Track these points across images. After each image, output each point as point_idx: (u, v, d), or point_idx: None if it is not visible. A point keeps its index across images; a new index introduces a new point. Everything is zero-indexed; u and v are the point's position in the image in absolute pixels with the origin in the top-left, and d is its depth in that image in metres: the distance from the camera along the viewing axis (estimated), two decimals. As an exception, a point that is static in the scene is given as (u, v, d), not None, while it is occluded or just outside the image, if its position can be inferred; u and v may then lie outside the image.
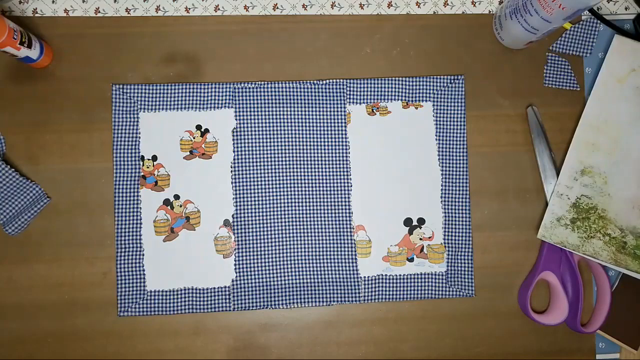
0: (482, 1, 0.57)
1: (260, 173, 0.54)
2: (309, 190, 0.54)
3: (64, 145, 0.54)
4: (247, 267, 0.53)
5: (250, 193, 0.54)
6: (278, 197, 0.54)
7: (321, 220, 0.54)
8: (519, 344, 0.55)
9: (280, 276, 0.54)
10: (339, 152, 0.55)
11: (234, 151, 0.54)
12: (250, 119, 0.54)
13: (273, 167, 0.54)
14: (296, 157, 0.54)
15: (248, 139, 0.54)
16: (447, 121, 0.56)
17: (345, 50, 0.56)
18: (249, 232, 0.54)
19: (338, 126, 0.55)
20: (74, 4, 0.55)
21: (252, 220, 0.54)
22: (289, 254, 0.54)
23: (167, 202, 0.54)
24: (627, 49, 0.55)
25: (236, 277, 0.53)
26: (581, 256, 0.54)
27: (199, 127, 0.54)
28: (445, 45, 0.56)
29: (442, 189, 0.55)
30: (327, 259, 0.54)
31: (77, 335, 0.53)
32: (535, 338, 0.55)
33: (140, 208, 0.53)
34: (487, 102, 0.56)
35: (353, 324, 0.55)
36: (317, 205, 0.54)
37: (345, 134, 0.55)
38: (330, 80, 0.55)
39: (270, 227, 0.54)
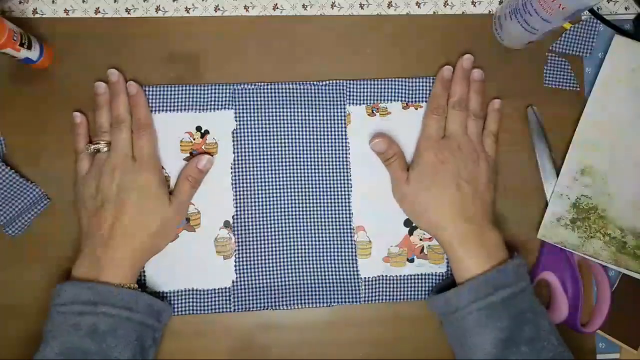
0: (482, 1, 0.57)
1: (261, 174, 0.54)
2: (309, 191, 0.54)
3: (64, 146, 0.54)
4: (247, 268, 0.53)
5: (251, 194, 0.54)
6: (278, 198, 0.54)
7: (321, 221, 0.54)
8: (519, 343, 0.55)
9: (281, 277, 0.54)
10: (339, 153, 0.55)
11: (234, 152, 0.54)
12: (250, 120, 0.54)
13: (273, 168, 0.54)
14: (296, 158, 0.54)
15: (248, 140, 0.54)
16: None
17: (345, 50, 0.56)
18: (249, 233, 0.54)
19: (338, 127, 0.55)
20: (74, 4, 0.55)
21: (252, 221, 0.54)
22: (289, 255, 0.54)
23: (167, 203, 0.54)
24: (627, 49, 0.55)
25: (236, 278, 0.53)
26: (581, 256, 0.54)
27: (199, 128, 0.54)
28: (445, 45, 0.56)
29: (442, 189, 0.55)
30: (327, 259, 0.54)
31: (77, 335, 0.53)
32: (535, 338, 0.55)
33: (141, 209, 0.53)
34: (487, 102, 0.56)
35: (353, 324, 0.55)
36: (317, 206, 0.54)
37: (345, 135, 0.55)
38: (330, 81, 0.55)
39: (271, 228, 0.54)
